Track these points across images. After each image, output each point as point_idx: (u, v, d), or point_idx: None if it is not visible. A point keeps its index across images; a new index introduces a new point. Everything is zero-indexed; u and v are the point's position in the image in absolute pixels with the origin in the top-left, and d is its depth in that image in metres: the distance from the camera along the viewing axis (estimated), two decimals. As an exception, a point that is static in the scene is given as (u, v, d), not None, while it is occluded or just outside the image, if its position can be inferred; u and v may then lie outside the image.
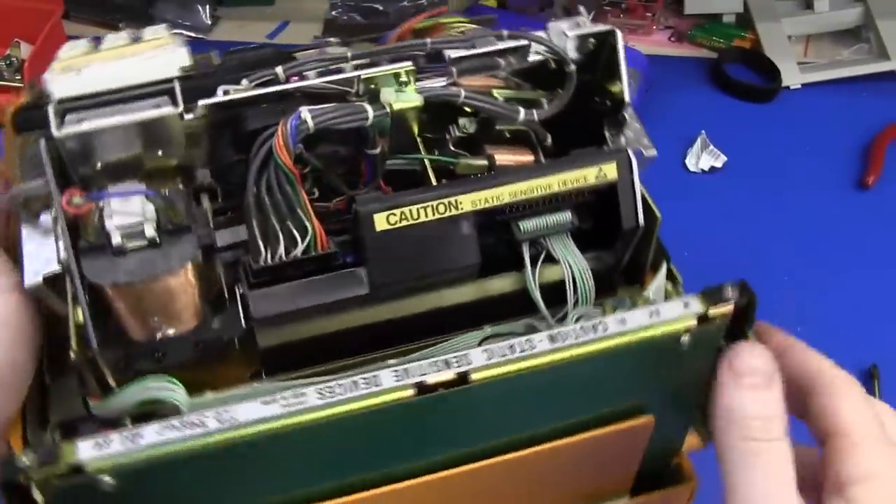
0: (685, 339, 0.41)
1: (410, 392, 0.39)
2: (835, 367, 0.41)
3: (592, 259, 0.47)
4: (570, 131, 0.49)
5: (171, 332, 0.47)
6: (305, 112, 0.43)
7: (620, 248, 0.47)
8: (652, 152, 0.50)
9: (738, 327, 0.42)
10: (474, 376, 0.39)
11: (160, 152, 0.44)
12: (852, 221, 0.86)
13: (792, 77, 0.98)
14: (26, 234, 0.45)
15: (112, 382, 0.44)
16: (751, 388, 0.40)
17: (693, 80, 0.99)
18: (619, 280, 0.50)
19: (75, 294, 0.42)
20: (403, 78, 0.44)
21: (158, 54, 0.46)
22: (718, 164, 0.90)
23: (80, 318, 0.42)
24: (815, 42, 1.03)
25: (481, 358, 0.40)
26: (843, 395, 0.40)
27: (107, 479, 0.37)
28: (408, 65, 0.44)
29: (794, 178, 0.90)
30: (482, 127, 0.48)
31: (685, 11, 1.03)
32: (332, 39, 0.51)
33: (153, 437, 0.37)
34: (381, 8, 0.96)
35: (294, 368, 0.47)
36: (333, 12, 0.97)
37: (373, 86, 0.44)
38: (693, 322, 0.40)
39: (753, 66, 1.00)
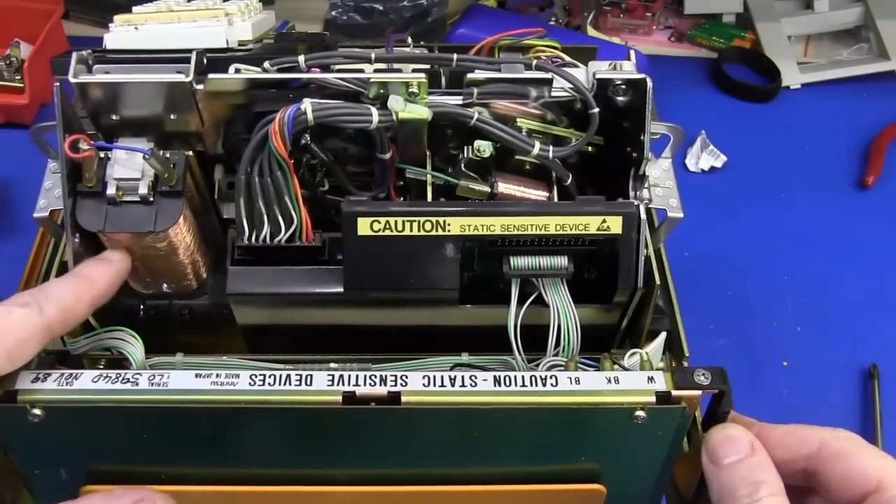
0: (640, 413, 0.39)
1: (338, 399, 0.39)
2: (835, 431, 0.39)
3: (591, 312, 0.45)
4: (608, 177, 0.47)
5: (162, 289, 0.48)
6: (307, 104, 0.43)
7: (618, 307, 0.46)
8: (677, 214, 0.48)
9: (713, 417, 0.41)
10: (406, 399, 0.39)
11: (173, 116, 0.45)
12: (852, 221, 0.86)
13: (792, 77, 0.98)
14: (49, 169, 0.47)
15: (94, 323, 0.46)
16: (731, 467, 0.39)
17: (693, 80, 0.99)
18: (619, 340, 0.48)
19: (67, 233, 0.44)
20: (413, 89, 0.43)
21: (211, 24, 0.47)
22: (718, 164, 0.90)
23: (66, 256, 0.44)
24: (815, 42, 1.03)
25: (419, 383, 0.40)
26: (861, 455, 0.38)
27: (35, 411, 0.39)
28: (420, 76, 0.43)
29: (794, 178, 0.90)
30: (501, 154, 0.46)
31: (685, 11, 1.03)
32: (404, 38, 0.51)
33: (86, 383, 0.39)
34: (381, 8, 0.96)
35: (275, 352, 0.47)
36: (333, 12, 0.97)
37: (382, 91, 0.44)
38: (651, 398, 0.39)
39: (753, 66, 1.00)
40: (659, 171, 0.49)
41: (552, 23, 1.02)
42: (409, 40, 0.51)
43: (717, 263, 0.81)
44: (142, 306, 0.49)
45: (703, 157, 0.90)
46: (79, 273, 0.42)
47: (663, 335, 0.46)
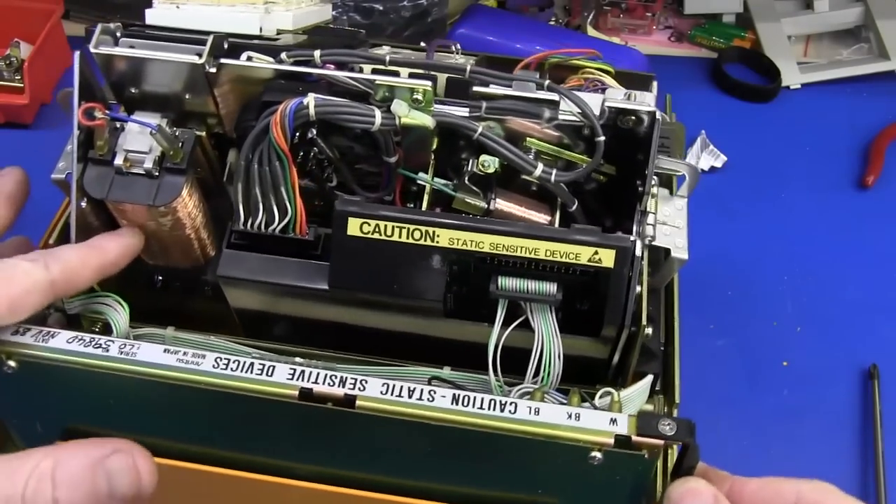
0: (596, 454, 0.38)
1: (294, 393, 0.40)
2: (812, 483, 0.39)
3: (584, 344, 0.45)
4: (624, 208, 0.47)
5: (171, 262, 0.50)
6: (310, 98, 0.43)
7: (609, 342, 0.45)
8: (682, 255, 0.47)
9: (678, 472, 0.40)
10: (360, 403, 0.39)
11: (188, 96, 0.46)
12: (852, 221, 0.86)
13: (792, 77, 0.98)
14: (74, 135, 0.47)
15: (96, 287, 0.47)
16: None
17: (693, 80, 0.99)
18: (612, 376, 0.47)
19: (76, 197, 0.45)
20: (418, 96, 0.43)
21: (247, 10, 0.48)
22: (718, 164, 0.90)
23: (70, 218, 0.45)
24: (815, 42, 1.03)
25: (377, 389, 0.40)
26: None
27: (10, 363, 0.40)
28: (426, 84, 0.43)
29: (794, 178, 0.90)
30: (509, 172, 0.46)
31: (685, 11, 1.03)
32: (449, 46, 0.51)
33: (60, 342, 0.41)
34: (381, 8, 0.96)
35: (268, 338, 0.48)
36: (334, 12, 0.97)
37: (388, 94, 0.44)
38: (610, 440, 0.38)
39: (753, 66, 1.00)
40: (672, 209, 0.48)
41: (552, 22, 1.02)
42: (456, 47, 0.51)
43: (717, 263, 0.81)
44: (160, 277, 0.50)
45: (703, 157, 0.90)
46: (91, 242, 0.45)
47: (649, 378, 0.44)
